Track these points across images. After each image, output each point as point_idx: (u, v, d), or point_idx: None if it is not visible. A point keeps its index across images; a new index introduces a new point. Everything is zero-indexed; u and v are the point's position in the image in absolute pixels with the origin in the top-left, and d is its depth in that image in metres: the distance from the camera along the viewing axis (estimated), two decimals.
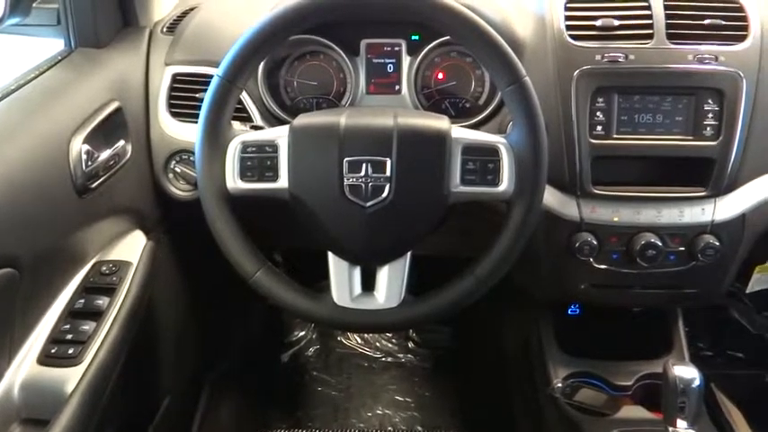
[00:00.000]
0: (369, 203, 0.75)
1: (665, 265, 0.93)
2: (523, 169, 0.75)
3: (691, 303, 1.06)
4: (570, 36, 0.91)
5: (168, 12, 1.13)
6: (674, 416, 0.82)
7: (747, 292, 1.10)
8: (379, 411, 1.43)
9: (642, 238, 0.92)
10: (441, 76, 1.02)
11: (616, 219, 0.92)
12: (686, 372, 0.82)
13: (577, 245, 0.92)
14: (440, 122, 0.77)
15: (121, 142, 0.93)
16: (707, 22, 0.90)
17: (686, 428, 0.81)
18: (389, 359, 1.57)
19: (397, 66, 1.01)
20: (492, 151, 0.76)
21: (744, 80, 0.88)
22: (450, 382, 1.48)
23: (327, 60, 1.02)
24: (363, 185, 0.74)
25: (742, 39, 0.90)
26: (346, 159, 0.75)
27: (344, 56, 1.00)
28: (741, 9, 0.91)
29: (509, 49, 0.73)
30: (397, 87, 1.02)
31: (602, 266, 0.95)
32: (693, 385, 0.81)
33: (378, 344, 1.59)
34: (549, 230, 0.94)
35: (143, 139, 1.00)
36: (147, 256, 0.95)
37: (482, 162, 0.76)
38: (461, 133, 0.77)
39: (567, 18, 0.92)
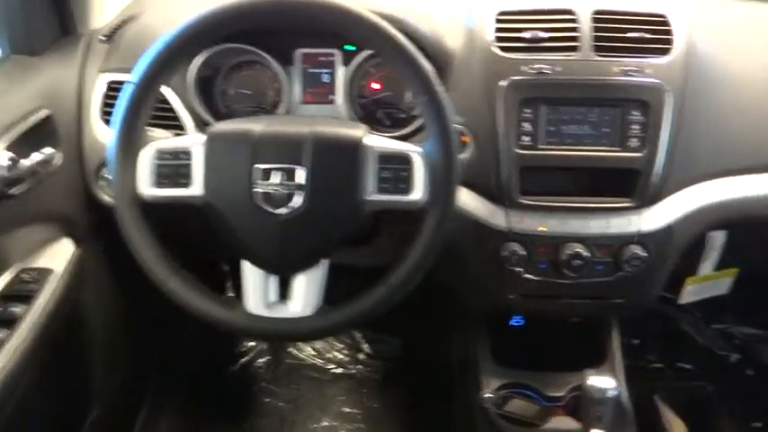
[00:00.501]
0: (280, 211, 0.74)
1: (592, 275, 0.94)
2: (435, 178, 0.75)
3: (620, 314, 1.06)
4: (499, 48, 0.92)
5: (108, 21, 1.13)
6: (591, 425, 0.82)
7: (680, 303, 1.10)
8: (326, 423, 1.42)
9: (569, 248, 0.92)
10: (376, 86, 1.02)
11: (544, 229, 0.92)
12: (602, 382, 0.82)
13: (506, 254, 0.93)
14: (354, 131, 0.77)
15: (50, 149, 0.92)
16: (632, 35, 0.91)
17: None
18: (340, 370, 1.56)
19: (332, 76, 1.02)
20: (405, 160, 0.76)
21: (668, 92, 0.89)
22: (397, 395, 1.47)
23: (263, 70, 1.02)
24: (274, 193, 0.74)
25: (666, 52, 0.91)
26: (258, 167, 0.74)
27: (279, 66, 1.00)
28: (666, 23, 0.93)
29: (422, 60, 0.73)
30: (331, 97, 1.02)
31: (531, 276, 0.95)
32: (609, 395, 0.81)
33: (329, 355, 1.58)
34: (479, 240, 0.94)
35: (75, 146, 1.00)
36: (72, 263, 0.94)
37: (396, 171, 0.76)
38: (376, 142, 0.76)
39: (497, 30, 0.93)
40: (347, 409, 1.45)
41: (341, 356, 1.58)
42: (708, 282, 1.08)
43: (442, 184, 0.75)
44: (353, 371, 1.55)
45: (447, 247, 0.97)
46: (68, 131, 0.98)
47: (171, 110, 0.97)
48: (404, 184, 0.76)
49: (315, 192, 0.74)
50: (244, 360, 1.55)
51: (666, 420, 1.30)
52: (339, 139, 0.76)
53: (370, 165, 0.76)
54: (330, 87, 1.02)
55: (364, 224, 0.84)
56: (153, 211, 0.78)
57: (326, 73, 1.02)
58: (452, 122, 0.74)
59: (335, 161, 0.75)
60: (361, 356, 1.58)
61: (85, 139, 1.00)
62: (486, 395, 1.02)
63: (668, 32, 0.92)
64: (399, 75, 0.76)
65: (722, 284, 1.11)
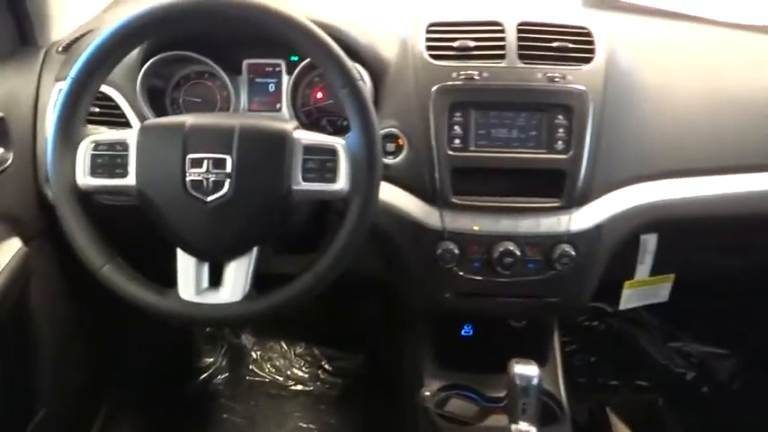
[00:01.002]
0: (210, 198, 0.78)
1: (524, 273, 0.97)
2: (358, 168, 0.79)
3: (556, 314, 1.08)
4: (430, 56, 0.97)
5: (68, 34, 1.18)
6: (516, 414, 0.83)
7: (621, 308, 1.12)
8: None
9: (501, 247, 0.95)
10: (319, 95, 1.07)
11: (476, 228, 0.96)
12: (527, 370, 0.84)
13: (440, 252, 0.96)
14: (282, 124, 0.81)
15: (0, 150, 0.96)
16: (555, 44, 0.96)
17: (528, 426, 0.83)
18: (299, 387, 1.56)
19: (278, 85, 1.07)
20: (330, 151, 0.80)
21: (590, 98, 0.94)
22: (355, 409, 1.47)
23: (212, 79, 1.07)
24: (205, 181, 0.78)
25: (588, 60, 0.96)
26: (189, 156, 0.78)
27: (227, 75, 1.05)
28: (588, 34, 0.98)
29: (343, 54, 0.78)
30: (278, 105, 1.07)
31: (465, 274, 0.97)
32: (534, 383, 0.83)
33: (288, 372, 1.59)
34: (416, 239, 0.97)
35: (28, 149, 1.03)
36: (17, 263, 0.96)
37: (321, 161, 0.79)
38: (303, 134, 0.81)
39: (428, 40, 0.98)
40: (303, 425, 1.45)
41: (301, 373, 1.59)
42: (647, 287, 1.11)
43: (364, 173, 0.79)
44: (312, 387, 1.56)
45: (388, 247, 1.01)
46: (22, 135, 1.02)
47: (123, 115, 1.02)
48: (329, 174, 0.79)
49: (242, 179, 0.78)
50: (203, 377, 1.56)
51: (614, 425, 1.31)
52: (266, 130, 0.80)
53: (296, 155, 0.79)
54: (276, 96, 1.07)
55: (298, 216, 0.87)
56: (102, 216, 0.82)
57: (272, 83, 1.07)
58: (373, 114, 0.78)
59: (262, 151, 0.79)
60: (321, 373, 1.59)
61: (39, 141, 1.04)
62: (427, 394, 1.03)
63: (590, 43, 0.97)
64: (322, 69, 0.81)
65: (661, 291, 1.13)
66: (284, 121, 0.83)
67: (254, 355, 1.61)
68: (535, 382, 0.85)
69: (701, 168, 1.01)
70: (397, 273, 1.06)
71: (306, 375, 1.58)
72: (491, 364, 1.10)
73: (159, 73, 1.05)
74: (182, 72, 1.07)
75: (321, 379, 1.58)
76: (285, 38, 0.80)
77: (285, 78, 1.06)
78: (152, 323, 1.49)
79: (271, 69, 1.07)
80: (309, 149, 0.80)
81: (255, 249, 0.82)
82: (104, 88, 1.00)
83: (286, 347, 1.63)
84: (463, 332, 1.19)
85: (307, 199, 0.82)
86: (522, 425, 0.84)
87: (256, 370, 1.59)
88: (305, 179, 0.80)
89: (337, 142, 0.80)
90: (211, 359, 1.59)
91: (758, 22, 1.13)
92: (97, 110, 1.00)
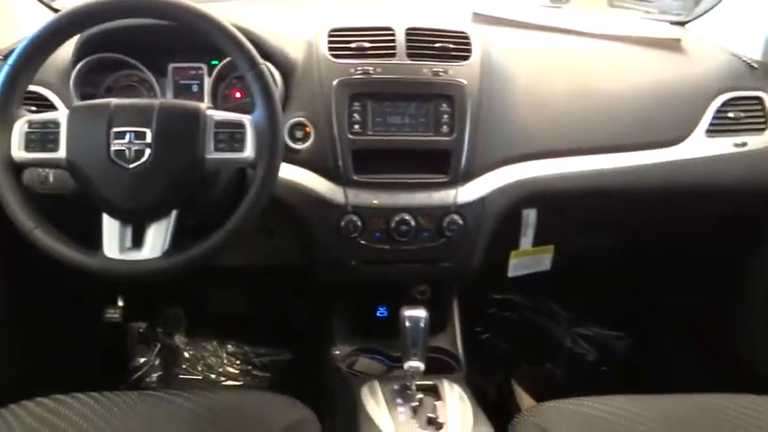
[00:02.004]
0: (131, 165, 0.89)
1: (419, 241, 1.11)
2: (262, 138, 0.92)
3: (450, 278, 1.22)
4: (332, 55, 1.12)
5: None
6: (408, 353, 0.96)
7: (510, 276, 1.27)
8: None
9: (398, 217, 1.10)
10: (238, 94, 1.21)
11: (376, 202, 1.10)
12: (415, 312, 0.97)
13: (344, 224, 1.09)
14: (196, 103, 0.94)
15: None
16: (438, 45, 1.13)
17: (417, 362, 0.96)
18: (231, 383, 1.64)
19: (200, 86, 1.20)
20: (238, 125, 0.92)
21: (468, 89, 1.10)
22: None
23: (140, 81, 1.19)
24: (127, 151, 0.89)
25: (466, 58, 1.13)
26: (113, 130, 0.89)
27: (154, 78, 1.18)
28: (466, 37, 1.15)
29: (246, 40, 0.92)
30: None
31: (368, 243, 1.11)
32: (422, 324, 0.96)
33: (220, 369, 1.67)
34: (322, 214, 1.11)
35: None
36: None
37: (230, 134, 0.92)
38: (214, 112, 0.93)
39: (330, 42, 1.14)
40: None
41: (232, 370, 1.67)
42: (530, 257, 1.27)
43: (267, 142, 0.91)
44: (243, 382, 1.64)
45: (298, 223, 1.14)
46: None
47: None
48: (238, 144, 0.92)
49: (160, 149, 0.89)
50: (136, 375, 1.62)
51: (518, 396, 1.45)
52: (182, 107, 0.93)
53: (209, 129, 0.92)
54: (198, 96, 1.19)
55: (216, 185, 0.99)
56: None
57: (195, 84, 1.20)
58: (274, 93, 0.92)
59: (178, 125, 0.91)
60: (251, 369, 1.67)
61: None
62: (337, 353, 1.15)
63: (468, 44, 1.14)
64: (229, 56, 0.94)
65: (543, 260, 1.29)
66: (198, 102, 0.96)
67: (187, 355, 1.69)
68: (423, 324, 0.97)
69: (568, 149, 1.18)
70: (310, 251, 1.18)
71: (237, 371, 1.66)
72: (397, 331, 1.23)
73: (90, 81, 1.16)
74: (111, 78, 1.19)
75: (252, 374, 1.66)
76: (198, 30, 0.93)
77: (207, 80, 1.19)
78: (84, 322, 1.56)
79: (194, 72, 1.20)
80: (220, 124, 0.92)
81: (174, 212, 0.93)
82: (42, 90, 1.11)
83: (218, 346, 1.71)
84: (378, 313, 1.32)
85: (219, 167, 0.94)
86: (413, 362, 0.96)
87: (189, 369, 1.66)
88: (216, 149, 0.92)
89: (244, 117, 0.93)
90: (145, 358, 1.65)
91: (616, 33, 1.33)
92: (34, 109, 1.10)
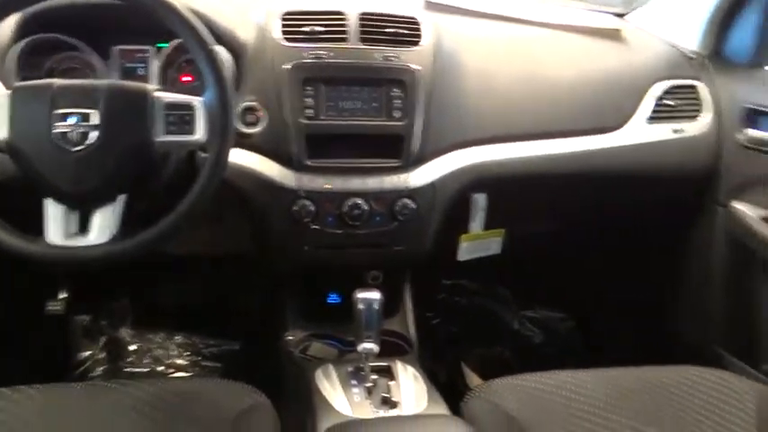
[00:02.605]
0: (75, 149, 0.86)
1: (372, 225, 1.12)
2: (213, 120, 0.90)
3: (403, 262, 1.23)
4: (285, 39, 1.11)
5: None
6: (361, 334, 0.97)
7: (460, 260, 1.29)
8: None
9: (351, 202, 1.10)
10: (187, 78, 1.18)
11: (329, 186, 1.10)
12: (368, 294, 0.98)
13: (297, 209, 1.09)
14: (145, 85, 0.92)
15: None
16: (390, 30, 1.14)
17: (371, 344, 0.97)
18: (179, 374, 1.61)
19: (147, 69, 1.17)
20: (189, 107, 0.90)
21: (420, 74, 1.11)
22: None
23: (84, 63, 1.15)
24: (71, 133, 0.86)
25: (418, 43, 1.14)
26: (56, 111, 0.86)
27: (100, 60, 1.14)
28: (416, 23, 1.16)
29: (198, 24, 0.90)
30: None
31: (321, 228, 1.11)
32: (375, 306, 0.97)
33: (168, 361, 1.63)
34: (273, 200, 1.10)
35: None
36: None
37: (180, 116, 0.90)
38: (164, 94, 0.91)
39: (283, 26, 1.13)
40: None
41: (180, 361, 1.64)
42: (480, 240, 1.29)
43: (218, 125, 0.90)
44: (192, 373, 1.61)
45: (250, 209, 1.13)
46: None
47: None
48: (188, 126, 0.90)
49: (107, 131, 0.87)
50: (80, 369, 1.57)
51: (468, 378, 1.48)
52: (130, 89, 0.90)
53: (157, 111, 0.89)
54: (145, 80, 1.16)
55: (166, 170, 0.97)
56: None
57: (141, 67, 1.17)
58: (224, 74, 0.91)
59: (126, 107, 0.89)
60: (201, 360, 1.64)
61: None
62: (290, 338, 1.14)
63: (419, 30, 1.15)
64: (181, 38, 0.92)
65: (493, 244, 1.32)
66: (146, 84, 0.93)
67: (134, 347, 1.64)
68: (376, 306, 0.98)
69: (516, 134, 1.21)
70: (261, 237, 1.17)
71: (186, 363, 1.63)
72: (350, 316, 1.24)
73: (31, 63, 1.11)
74: (53, 60, 1.14)
75: (201, 365, 1.63)
76: (148, 11, 0.90)
77: (154, 63, 1.16)
78: (26, 315, 1.50)
79: (140, 55, 1.17)
80: (170, 106, 0.90)
81: (122, 197, 0.90)
82: None
83: (165, 338, 1.67)
84: (330, 299, 1.32)
85: (169, 150, 0.92)
86: (367, 344, 0.97)
87: (135, 361, 1.62)
88: (166, 132, 0.90)
89: (195, 99, 0.91)
90: (89, 352, 1.60)
91: (561, 22, 1.37)
92: None
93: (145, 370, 1.61)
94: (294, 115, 1.08)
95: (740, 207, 1.24)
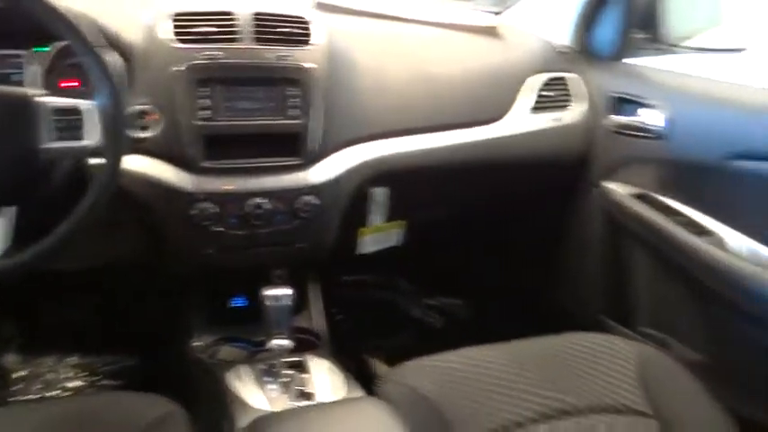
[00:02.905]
0: None
1: (275, 223, 1.13)
2: (104, 125, 0.87)
3: (307, 258, 1.25)
4: (177, 40, 1.09)
5: None
6: (271, 331, 0.98)
7: (363, 253, 1.33)
8: None
9: (253, 202, 1.10)
10: (71, 83, 1.13)
11: (229, 187, 1.09)
12: (276, 291, 0.99)
13: (197, 212, 1.07)
14: (25, 89, 0.87)
15: None
16: (283, 30, 1.14)
17: (282, 340, 0.98)
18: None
19: (22, 75, 1.10)
20: (77, 111, 0.87)
21: (314, 73, 1.13)
22: None
23: None
24: None
25: (310, 42, 1.16)
26: None
27: None
28: (307, 23, 1.17)
29: (79, 26, 0.87)
30: None
31: (225, 230, 1.10)
32: (284, 302, 0.99)
33: (61, 385, 1.54)
34: (172, 204, 1.08)
35: None
36: None
37: (69, 121, 0.86)
38: (49, 99, 0.87)
39: (174, 27, 1.10)
40: None
41: (74, 384, 1.55)
42: (381, 233, 1.34)
43: (110, 129, 0.87)
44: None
45: (148, 216, 1.10)
46: None
47: None
48: (77, 131, 0.86)
49: None
50: None
51: (374, 364, 1.53)
52: (9, 94, 0.85)
53: (42, 117, 0.85)
54: (20, 85, 1.09)
55: (55, 179, 0.92)
56: None
57: (16, 72, 1.10)
58: (114, 77, 0.88)
59: (7, 114, 0.84)
60: (97, 379, 1.56)
61: None
62: (197, 344, 1.13)
63: (311, 29, 1.17)
64: (64, 40, 0.88)
65: (393, 236, 1.37)
66: (27, 90, 0.89)
67: (21, 374, 1.53)
68: (286, 302, 1.00)
69: (408, 129, 1.26)
70: (161, 244, 1.14)
71: (82, 384, 1.55)
72: (257, 317, 1.24)
73: None
74: None
75: (99, 385, 1.56)
76: (28, 13, 0.86)
77: (30, 68, 1.10)
78: None
79: (13, 60, 1.09)
80: (57, 111, 0.86)
81: (11, 209, 0.85)
82: None
83: (57, 360, 1.57)
84: (235, 303, 1.31)
85: (57, 156, 0.88)
86: (278, 341, 0.98)
87: (24, 389, 1.51)
88: (53, 138, 0.85)
89: (83, 103, 0.87)
90: None
91: (444, 21, 1.44)
92: None
93: (34, 397, 1.51)
94: (189, 117, 1.07)
95: (611, 186, 1.37)
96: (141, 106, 1.06)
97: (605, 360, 1.02)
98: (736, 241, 1.11)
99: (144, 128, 1.06)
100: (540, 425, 0.89)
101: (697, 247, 1.14)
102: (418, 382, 0.97)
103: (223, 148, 1.09)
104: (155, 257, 1.19)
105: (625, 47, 1.46)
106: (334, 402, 0.95)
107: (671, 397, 0.95)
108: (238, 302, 1.31)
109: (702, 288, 1.16)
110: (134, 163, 1.04)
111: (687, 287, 1.22)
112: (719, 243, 1.13)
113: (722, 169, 1.12)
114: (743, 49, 1.36)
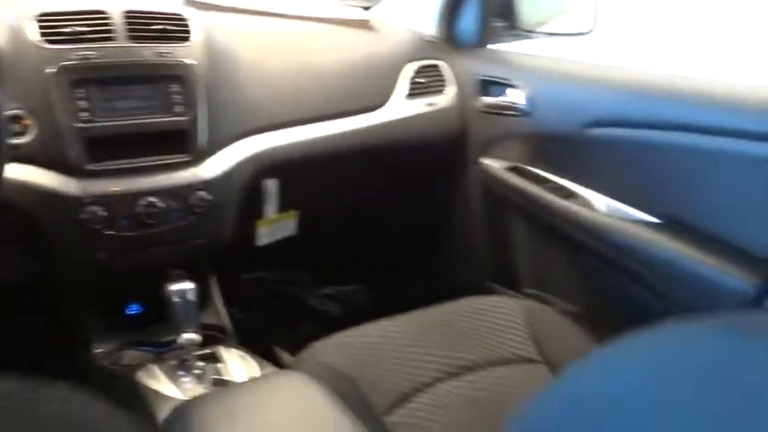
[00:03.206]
0: None
1: (169, 221, 1.12)
2: None
3: (204, 254, 1.25)
4: (45, 41, 1.05)
5: None
6: (180, 326, 0.98)
7: (260, 245, 1.35)
8: None
9: (144, 202, 1.09)
10: None
11: (118, 189, 1.07)
12: (181, 285, 0.99)
13: (85, 217, 1.04)
14: None
15: None
16: (158, 27, 1.13)
17: (192, 335, 0.98)
18: None
19: None
20: None
21: (194, 69, 1.13)
22: None
23: None
24: None
25: (187, 39, 1.16)
26: None
27: None
28: (183, 19, 1.17)
29: None
30: None
31: (116, 233, 1.08)
32: (189, 296, 0.99)
33: None
34: (57, 212, 1.04)
35: None
36: None
37: None
38: None
39: (41, 27, 1.06)
40: None
41: None
42: (276, 224, 1.36)
43: None
44: None
45: (35, 226, 1.05)
46: None
47: None
48: None
49: None
50: None
51: (278, 353, 1.56)
52: None
53: None
54: None
55: None
56: None
57: None
58: None
59: None
60: None
61: None
62: (99, 351, 1.09)
63: (186, 25, 1.17)
64: None
65: (288, 226, 1.40)
66: None
67: None
68: (190, 296, 1.00)
69: (293, 120, 1.29)
70: (48, 254, 1.10)
71: None
72: (157, 319, 1.22)
73: None
74: None
75: None
76: None
77: None
78: None
79: None
80: None
81: None
82: None
83: None
84: (130, 311, 1.28)
85: None
86: (188, 335, 0.98)
87: None
88: None
89: None
90: None
91: (320, 16, 1.48)
92: None
93: None
94: (67, 120, 1.03)
95: (487, 162, 1.48)
96: (12, 111, 1.01)
97: (497, 318, 1.11)
98: (598, 200, 1.25)
99: (18, 134, 1.02)
100: (446, 382, 0.96)
101: (566, 209, 1.27)
102: (328, 358, 1.01)
103: (108, 149, 1.07)
104: (45, 270, 1.14)
105: (487, 34, 1.57)
106: (255, 379, 0.96)
107: (556, 343, 1.06)
108: (133, 310, 1.28)
109: (575, 245, 1.29)
110: (13, 172, 1.00)
111: (561, 246, 1.35)
112: (585, 203, 1.26)
113: (579, 138, 1.26)
114: (588, 33, 1.53)
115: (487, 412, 0.93)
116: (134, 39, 1.11)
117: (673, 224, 1.11)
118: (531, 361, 1.02)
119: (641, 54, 1.63)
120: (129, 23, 1.12)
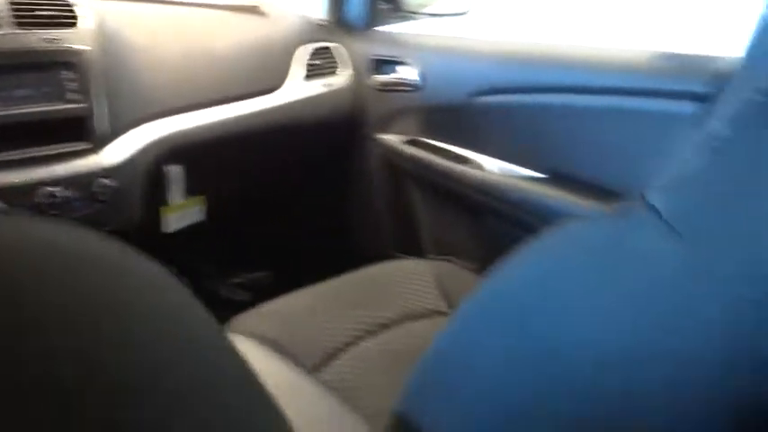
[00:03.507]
0: None
1: (74, 210, 1.09)
2: None
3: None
4: None
5: None
6: None
7: (168, 232, 1.34)
8: None
9: (44, 191, 1.06)
10: None
11: (15, 180, 1.04)
12: None
13: None
14: None
15: None
16: (44, 13, 1.10)
17: None
18: None
19: None
20: None
21: (88, 55, 1.11)
22: None
23: None
24: None
25: (75, 24, 1.13)
26: None
27: None
28: (69, 5, 1.14)
29: None
30: None
31: None
32: None
33: None
34: None
35: None
36: None
37: None
38: None
39: None
40: None
41: None
42: (182, 210, 1.35)
43: None
44: None
45: None
46: None
47: None
48: None
49: None
50: None
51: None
52: None
53: None
54: None
55: None
56: None
57: None
58: None
59: None
60: None
61: None
62: None
63: (72, 11, 1.14)
64: None
65: (196, 212, 1.39)
66: None
67: None
68: None
69: (191, 104, 1.30)
70: None
71: None
72: None
73: None
74: None
75: None
76: None
77: None
78: None
79: None
80: None
81: None
82: None
83: None
84: None
85: None
86: None
87: None
88: None
89: None
90: None
91: (211, 2, 1.48)
92: None
93: None
94: None
95: (385, 137, 1.55)
96: None
97: (409, 279, 1.18)
98: (490, 163, 1.35)
99: None
100: (367, 340, 1.02)
101: (462, 173, 1.36)
102: (255, 328, 1.04)
103: (1, 140, 1.03)
104: None
105: (374, 17, 1.64)
106: None
107: (463, 295, 1.15)
108: None
109: (472, 206, 1.39)
110: None
111: (460, 209, 1.45)
112: (479, 167, 1.36)
113: (469, 107, 1.35)
114: (465, 13, 1.65)
115: (405, 363, 1.00)
116: (20, 25, 1.07)
117: (558, 177, 1.23)
118: (442, 314, 1.10)
119: (514, 30, 1.77)
120: (15, 10, 1.07)
